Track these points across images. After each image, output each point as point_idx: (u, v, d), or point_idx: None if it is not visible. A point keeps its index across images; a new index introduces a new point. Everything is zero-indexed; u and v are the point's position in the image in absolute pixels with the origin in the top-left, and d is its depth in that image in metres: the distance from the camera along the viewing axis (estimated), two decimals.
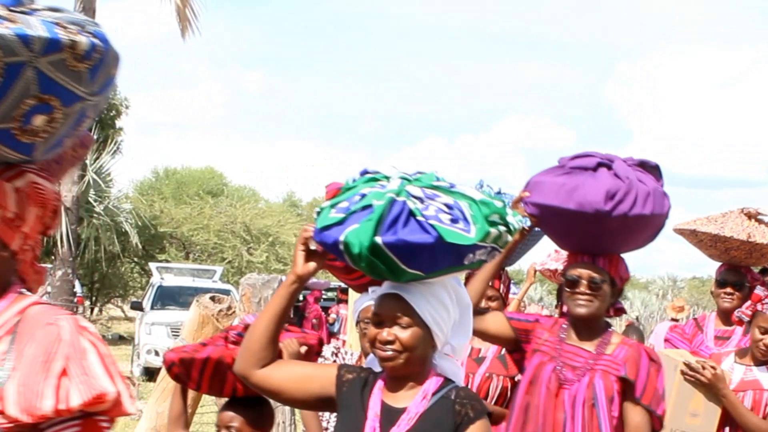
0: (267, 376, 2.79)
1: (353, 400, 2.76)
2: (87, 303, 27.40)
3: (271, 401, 3.43)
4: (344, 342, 10.42)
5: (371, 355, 2.83)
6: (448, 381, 2.75)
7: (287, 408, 5.86)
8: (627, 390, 3.66)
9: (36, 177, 2.28)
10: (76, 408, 2.05)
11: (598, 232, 3.68)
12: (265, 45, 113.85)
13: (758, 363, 4.66)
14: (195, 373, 3.49)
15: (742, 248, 5.28)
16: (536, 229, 4.03)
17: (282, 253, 30.75)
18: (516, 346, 3.94)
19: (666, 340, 5.54)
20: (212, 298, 5.17)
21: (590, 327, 3.78)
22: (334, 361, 4.74)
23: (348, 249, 2.58)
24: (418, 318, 2.67)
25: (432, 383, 2.72)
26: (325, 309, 18.70)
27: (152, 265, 22.92)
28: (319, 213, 2.75)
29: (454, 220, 2.59)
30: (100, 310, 32.07)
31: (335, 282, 18.61)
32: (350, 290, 6.77)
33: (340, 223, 2.62)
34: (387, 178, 2.73)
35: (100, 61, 2.18)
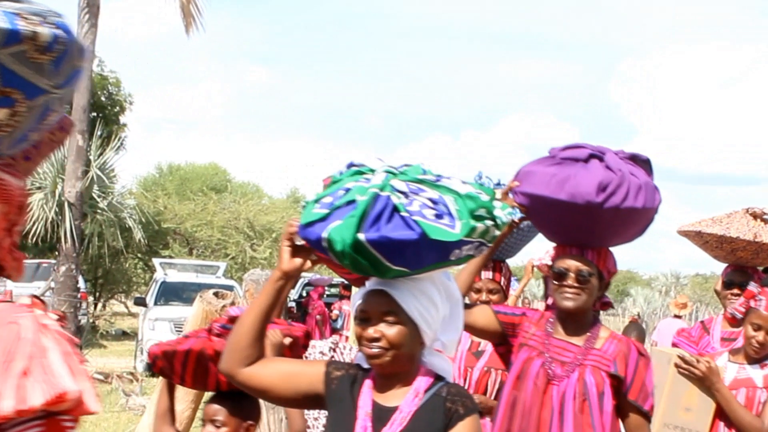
0: (253, 374, 2.73)
1: (342, 398, 2.71)
2: (90, 299, 27.45)
3: None
4: (347, 338, 10.42)
5: (359, 355, 2.78)
6: (438, 378, 2.70)
7: None
8: (619, 387, 3.61)
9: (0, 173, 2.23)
10: (37, 408, 1.98)
11: (589, 224, 3.62)
12: (268, 43, 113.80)
13: (751, 361, 4.62)
14: (178, 366, 3.43)
15: (749, 249, 5.24)
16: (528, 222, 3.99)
17: None
18: (502, 339, 3.88)
19: (673, 345, 5.48)
20: (216, 294, 5.17)
21: (578, 321, 3.71)
22: (332, 357, 4.73)
23: (331, 246, 2.54)
24: (405, 315, 2.62)
25: (423, 381, 2.67)
26: (329, 305, 18.71)
27: (156, 261, 22.93)
28: (304, 207, 2.71)
29: (438, 216, 2.54)
30: (104, 306, 32.12)
31: (338, 278, 18.62)
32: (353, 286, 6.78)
33: (324, 219, 2.57)
34: (373, 171, 2.67)
35: (63, 52, 2.11)
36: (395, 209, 2.52)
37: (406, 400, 2.64)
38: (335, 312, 18.20)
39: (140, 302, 19.86)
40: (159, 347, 3.45)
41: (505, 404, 3.72)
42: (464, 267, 3.89)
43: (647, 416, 3.63)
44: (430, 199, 2.58)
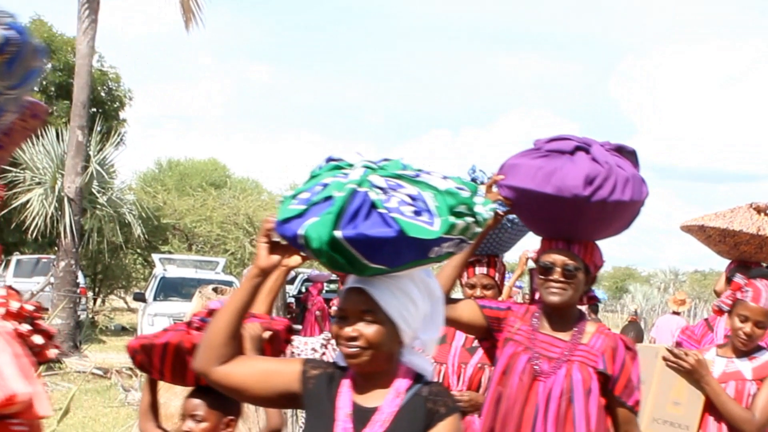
0: (228, 372, 2.65)
1: (320, 398, 2.64)
2: (90, 294, 27.45)
3: None
4: None
5: (338, 354, 2.71)
6: (418, 377, 2.64)
7: None
8: (606, 383, 3.54)
9: None
10: None
11: (575, 217, 3.55)
12: (269, 39, 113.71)
13: (739, 354, 4.54)
14: (156, 360, 3.35)
15: (752, 242, 5.19)
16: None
17: None
18: (487, 334, 3.81)
19: (677, 344, 5.45)
20: (215, 290, 5.17)
21: (564, 316, 3.64)
22: (323, 354, 4.70)
23: (308, 243, 2.49)
24: (384, 313, 2.56)
25: (403, 381, 2.61)
26: (328, 301, 18.71)
27: (155, 257, 22.93)
28: (281, 203, 2.65)
29: (417, 213, 2.48)
30: (103, 301, 32.10)
31: None
32: None
33: (301, 215, 2.52)
34: (352, 166, 2.61)
35: (16, 54, 2.09)
36: (373, 206, 2.46)
37: (387, 400, 2.58)
38: (335, 308, 18.20)
39: (139, 298, 19.87)
40: (137, 341, 3.38)
41: (490, 401, 3.67)
42: (447, 262, 3.79)
43: (633, 411, 3.58)
44: (409, 196, 2.52)
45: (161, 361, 3.34)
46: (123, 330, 25.07)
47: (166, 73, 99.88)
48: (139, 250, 30.45)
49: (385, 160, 2.65)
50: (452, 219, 2.51)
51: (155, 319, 17.49)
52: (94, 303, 29.52)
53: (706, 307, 34.59)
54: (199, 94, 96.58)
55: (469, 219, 2.56)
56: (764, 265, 5.40)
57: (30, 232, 18.06)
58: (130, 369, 14.78)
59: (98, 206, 19.32)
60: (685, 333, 5.50)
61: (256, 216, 30.91)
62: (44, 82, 27.30)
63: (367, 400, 2.60)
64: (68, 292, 16.72)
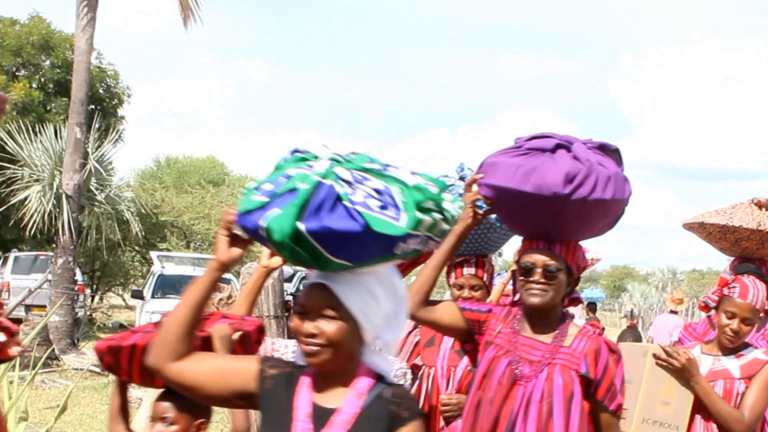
0: (182, 369, 2.56)
1: (278, 399, 2.55)
2: (88, 291, 27.42)
3: None
4: None
5: (297, 349, 2.62)
6: (380, 378, 2.56)
7: None
8: (588, 386, 3.45)
9: None
10: None
11: (556, 216, 3.45)
12: (269, 37, 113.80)
13: (726, 352, 4.45)
14: (124, 362, 3.25)
15: (753, 238, 5.08)
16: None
17: None
18: (468, 337, 3.72)
19: (679, 341, 5.40)
20: None
21: (545, 318, 3.54)
22: None
23: (269, 235, 2.41)
24: (346, 311, 2.48)
25: (364, 381, 2.53)
26: None
27: (153, 254, 22.94)
28: (243, 195, 2.56)
29: (383, 207, 2.40)
30: (101, 299, 32.11)
31: None
32: None
33: (263, 207, 2.43)
34: (317, 158, 2.53)
35: None
36: (338, 199, 2.38)
37: (348, 401, 2.50)
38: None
39: (137, 295, 19.87)
40: (105, 342, 3.28)
41: (469, 406, 3.60)
42: (427, 263, 3.77)
43: (615, 415, 3.48)
44: (375, 189, 2.44)
45: (129, 362, 3.25)
46: (121, 327, 25.05)
47: (166, 71, 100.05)
48: (137, 248, 30.44)
49: (353, 153, 2.56)
50: (419, 215, 2.43)
51: (153, 316, 17.46)
52: (92, 300, 29.51)
53: None
54: (199, 92, 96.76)
55: (437, 216, 2.49)
56: None
57: (28, 229, 18.04)
58: None
59: (96, 203, 19.30)
60: (686, 330, 5.40)
61: None
62: (43, 79, 27.29)
63: (327, 400, 2.52)
64: (66, 289, 16.72)
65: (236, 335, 3.25)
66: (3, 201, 19.36)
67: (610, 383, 3.44)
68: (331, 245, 2.38)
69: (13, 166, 18.72)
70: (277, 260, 3.82)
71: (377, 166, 2.52)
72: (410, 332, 4.80)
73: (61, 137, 18.39)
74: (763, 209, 5.13)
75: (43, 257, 22.14)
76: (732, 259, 5.42)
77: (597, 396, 3.44)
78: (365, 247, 2.40)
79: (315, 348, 2.48)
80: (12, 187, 18.86)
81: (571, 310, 3.90)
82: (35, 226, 17.80)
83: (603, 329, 7.06)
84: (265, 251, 3.82)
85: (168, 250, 27.56)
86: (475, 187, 3.66)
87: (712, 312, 4.81)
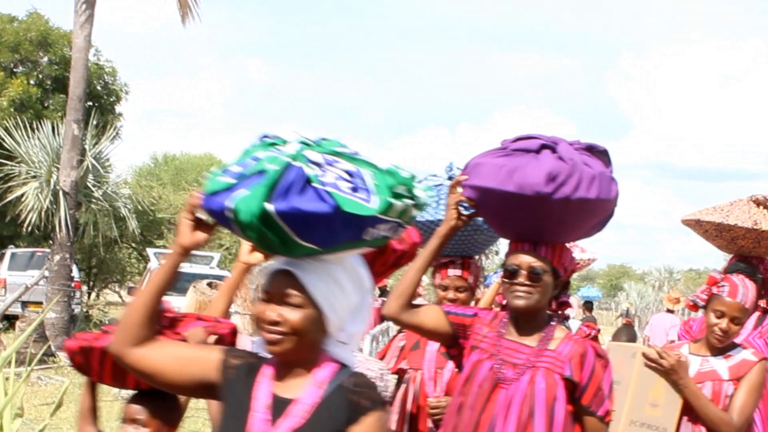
0: (143, 356, 2.52)
1: (238, 389, 2.51)
2: (84, 288, 27.44)
3: None
4: None
5: (259, 339, 2.58)
6: (342, 367, 2.51)
7: None
8: (573, 390, 3.37)
9: None
10: None
11: (539, 216, 3.38)
12: (268, 36, 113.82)
13: (715, 352, 4.38)
14: (95, 363, 3.20)
15: (749, 237, 5.03)
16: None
17: None
18: (453, 341, 3.65)
19: (679, 338, 5.36)
20: (209, 284, 5.16)
21: (531, 321, 3.47)
22: None
23: (236, 217, 2.35)
24: (310, 298, 2.42)
25: (325, 371, 2.48)
26: None
27: (150, 251, 22.94)
28: (209, 177, 2.50)
29: (354, 189, 2.36)
30: (98, 295, 32.11)
31: None
32: None
33: (230, 188, 2.38)
34: (286, 143, 2.48)
35: None
36: (308, 180, 2.33)
37: (307, 391, 2.45)
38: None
39: (134, 292, 19.83)
40: (76, 342, 3.23)
41: (450, 410, 3.54)
42: (410, 265, 3.72)
43: (603, 422, 3.40)
44: (347, 171, 2.40)
45: (100, 364, 3.21)
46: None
47: (165, 70, 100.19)
48: (134, 245, 30.43)
49: (323, 138, 2.52)
50: (391, 198, 2.39)
51: None
52: (89, 297, 29.52)
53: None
54: (198, 91, 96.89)
55: (408, 201, 2.45)
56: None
57: (25, 225, 18.00)
58: None
59: (93, 200, 19.26)
60: (684, 327, 5.35)
61: None
62: (40, 76, 27.27)
63: (287, 390, 2.48)
64: (63, 286, 16.69)
65: (211, 339, 3.22)
66: (0, 197, 19.34)
67: (597, 388, 3.37)
68: (300, 227, 2.33)
69: (10, 163, 18.69)
70: (258, 256, 3.78)
71: (348, 150, 2.49)
72: (395, 337, 4.77)
73: (58, 134, 18.36)
74: (761, 207, 5.08)
75: (39, 254, 22.13)
76: (730, 257, 5.38)
77: (584, 401, 3.37)
78: (335, 230, 2.35)
79: (277, 336, 2.43)
80: (9, 184, 18.83)
81: (568, 309, 3.85)
82: (32, 222, 17.77)
83: (599, 330, 7.02)
84: (245, 247, 3.78)
85: (165, 247, 27.54)
86: (460, 189, 3.61)
87: (699, 312, 4.74)
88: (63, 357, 15.39)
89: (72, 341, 3.24)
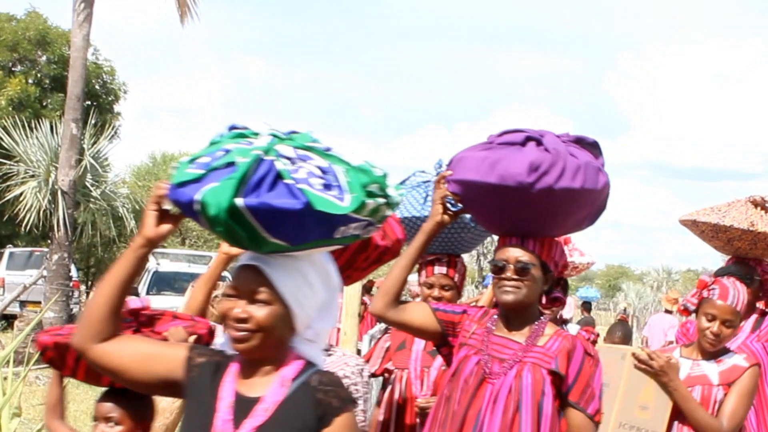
0: (106, 351, 2.46)
1: (203, 388, 2.45)
2: (83, 287, 27.41)
3: None
4: (338, 330, 10.41)
5: (224, 337, 2.52)
6: (308, 365, 2.46)
7: None
8: (559, 384, 3.31)
9: None
10: None
11: (523, 208, 3.33)
12: (267, 35, 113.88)
13: (707, 356, 4.29)
14: (70, 360, 3.16)
15: (745, 238, 4.95)
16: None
17: None
18: (443, 340, 3.59)
19: (676, 340, 5.31)
20: None
21: (520, 316, 3.42)
22: None
23: (204, 210, 2.29)
24: (278, 295, 2.37)
25: (290, 368, 2.43)
26: None
27: None
28: (176, 168, 2.42)
29: (326, 186, 2.31)
30: None
31: None
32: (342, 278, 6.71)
33: (198, 180, 2.31)
34: (256, 134, 2.42)
35: None
36: (279, 175, 2.28)
37: (272, 389, 2.40)
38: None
39: (132, 292, 19.72)
40: (51, 337, 3.17)
41: (436, 406, 3.51)
42: (395, 262, 3.67)
43: (593, 420, 3.33)
44: (319, 168, 2.34)
45: (76, 361, 3.17)
46: None
47: (164, 69, 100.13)
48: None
49: (294, 131, 2.47)
50: (364, 197, 2.34)
51: None
52: (87, 296, 29.45)
53: None
54: (197, 89, 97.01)
55: (381, 200, 2.39)
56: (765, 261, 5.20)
57: (23, 225, 17.99)
58: None
59: (92, 200, 19.25)
60: (682, 329, 5.25)
61: None
62: (39, 75, 27.25)
63: (252, 389, 2.43)
64: (61, 286, 16.67)
65: (191, 338, 3.18)
66: None
67: (585, 385, 3.31)
68: (269, 223, 2.28)
69: (8, 162, 18.69)
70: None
71: (320, 145, 2.43)
72: (380, 338, 4.72)
73: (56, 133, 18.34)
74: (759, 208, 5.01)
75: (38, 253, 22.13)
76: (728, 258, 5.33)
77: (572, 398, 3.31)
78: (305, 227, 2.30)
79: (243, 333, 2.38)
80: (7, 183, 18.83)
81: (566, 309, 3.82)
82: (30, 222, 17.75)
83: (598, 335, 6.98)
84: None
85: (163, 246, 27.51)
86: (445, 185, 3.55)
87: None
88: None
89: (45, 336, 3.18)
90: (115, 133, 23.62)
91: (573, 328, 7.72)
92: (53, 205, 17.28)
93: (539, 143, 3.37)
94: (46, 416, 3.39)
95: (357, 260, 3.75)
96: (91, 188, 18.99)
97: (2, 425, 5.87)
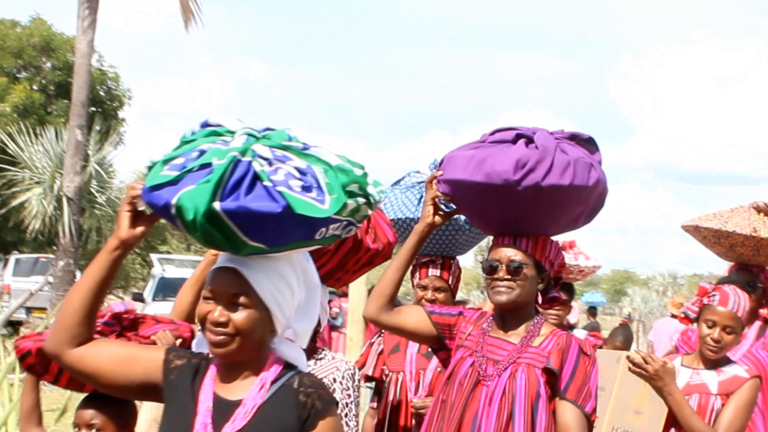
0: (82, 356, 2.41)
1: (182, 391, 2.41)
2: None
3: None
4: (344, 335, 10.41)
5: (200, 338, 2.48)
6: (289, 367, 2.43)
7: None
8: (554, 383, 3.24)
9: None
10: None
11: (512, 206, 3.28)
12: (268, 37, 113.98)
13: (708, 365, 4.21)
14: (55, 366, 3.07)
15: (747, 244, 4.87)
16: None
17: None
18: (439, 343, 3.52)
19: (676, 348, 5.27)
20: None
21: (515, 317, 3.36)
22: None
23: (181, 214, 2.22)
24: (257, 298, 2.34)
25: (271, 371, 2.39)
26: (327, 303, 18.62)
27: (154, 257, 22.91)
28: (150, 168, 2.35)
29: (306, 188, 2.26)
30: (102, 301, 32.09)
31: None
32: (351, 283, 6.68)
33: (174, 182, 2.25)
34: (231, 133, 2.36)
35: None
36: (257, 177, 2.23)
37: (251, 392, 2.36)
38: (335, 310, 18.10)
39: (138, 298, 19.82)
40: (34, 343, 3.08)
41: (432, 409, 3.44)
42: (389, 264, 3.61)
43: (588, 418, 3.25)
44: (298, 169, 2.29)
45: (60, 366, 3.03)
46: None
47: (165, 71, 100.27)
48: (137, 250, 30.41)
49: (269, 129, 2.41)
50: (344, 198, 2.30)
51: None
52: None
53: None
54: (198, 91, 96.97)
55: (361, 200, 2.35)
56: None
57: (29, 231, 18.04)
58: None
59: (97, 206, 19.27)
60: (683, 337, 5.19)
61: None
62: (43, 81, 27.30)
63: (231, 392, 2.39)
64: (67, 292, 16.64)
65: (178, 342, 3.15)
66: (4, 203, 19.36)
67: (582, 383, 3.24)
68: (248, 227, 2.23)
69: (13, 169, 18.71)
70: None
71: (297, 144, 2.38)
72: (372, 342, 4.67)
73: (61, 139, 18.37)
74: (762, 214, 4.93)
75: (43, 260, 22.15)
76: (731, 264, 5.24)
77: (570, 395, 3.22)
78: (285, 230, 2.25)
79: (223, 338, 2.34)
80: (13, 190, 18.86)
81: (572, 314, 3.77)
82: (36, 228, 17.80)
83: (604, 341, 6.95)
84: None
85: (168, 252, 27.60)
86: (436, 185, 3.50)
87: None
88: None
89: (27, 342, 3.11)
90: (120, 139, 23.66)
91: (580, 333, 7.71)
92: (58, 212, 17.29)
93: (530, 140, 3.31)
94: (22, 423, 3.33)
95: (348, 263, 3.70)
96: (96, 194, 19.01)
97: (9, 431, 5.86)
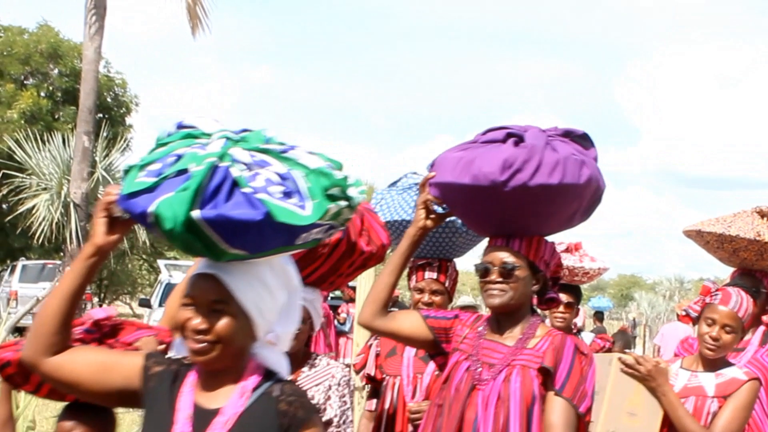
0: (59, 364, 2.37)
1: (160, 398, 2.37)
2: (95, 300, 27.45)
3: None
4: (352, 340, 10.41)
5: (177, 344, 2.45)
6: (269, 374, 2.39)
7: None
8: (548, 382, 3.18)
9: None
10: None
11: (502, 207, 3.23)
12: (272, 41, 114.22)
13: (706, 368, 4.15)
14: (35, 376, 2.90)
15: (751, 248, 4.80)
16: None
17: None
18: (436, 348, 3.47)
19: (675, 355, 5.24)
20: None
21: (510, 319, 3.31)
22: None
23: (159, 222, 2.18)
24: (238, 304, 2.30)
25: (251, 379, 2.36)
26: (334, 308, 18.64)
27: (160, 263, 22.94)
28: (126, 173, 2.30)
29: (286, 194, 2.21)
30: None
31: None
32: (359, 288, 6.68)
33: (151, 189, 2.20)
34: (207, 135, 2.31)
35: None
36: (236, 184, 2.18)
37: (231, 400, 2.33)
38: (343, 315, 18.10)
39: (145, 304, 19.87)
40: (13, 354, 2.97)
41: (428, 415, 3.41)
42: (384, 268, 3.57)
43: (582, 418, 3.19)
44: (278, 174, 2.24)
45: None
46: None
47: (170, 75, 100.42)
48: (144, 256, 30.49)
49: (246, 130, 2.37)
50: (326, 203, 2.25)
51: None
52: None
53: None
54: (204, 95, 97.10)
55: (342, 203, 2.30)
56: None
57: (36, 237, 18.06)
58: None
59: None
60: (682, 345, 5.03)
61: None
62: (51, 88, 27.36)
63: (211, 400, 2.35)
64: None
65: (161, 347, 3.09)
66: (11, 210, 19.43)
67: (578, 382, 3.19)
68: (228, 235, 2.18)
69: (21, 175, 18.76)
70: None
71: (275, 146, 2.33)
72: (370, 345, 4.64)
73: (69, 146, 18.43)
74: (765, 218, 4.87)
75: (50, 266, 22.19)
76: (733, 270, 5.18)
77: (566, 394, 3.16)
78: (265, 237, 2.21)
79: (203, 345, 2.30)
80: (20, 196, 18.90)
81: (578, 318, 3.73)
82: (43, 234, 17.82)
83: (612, 342, 6.93)
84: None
85: (176, 258, 27.57)
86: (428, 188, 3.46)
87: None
88: None
89: (5, 352, 3.01)
90: (127, 145, 23.69)
91: (587, 337, 7.70)
92: (66, 218, 17.33)
93: (521, 140, 3.25)
94: None
95: (341, 266, 3.67)
96: None
97: None
